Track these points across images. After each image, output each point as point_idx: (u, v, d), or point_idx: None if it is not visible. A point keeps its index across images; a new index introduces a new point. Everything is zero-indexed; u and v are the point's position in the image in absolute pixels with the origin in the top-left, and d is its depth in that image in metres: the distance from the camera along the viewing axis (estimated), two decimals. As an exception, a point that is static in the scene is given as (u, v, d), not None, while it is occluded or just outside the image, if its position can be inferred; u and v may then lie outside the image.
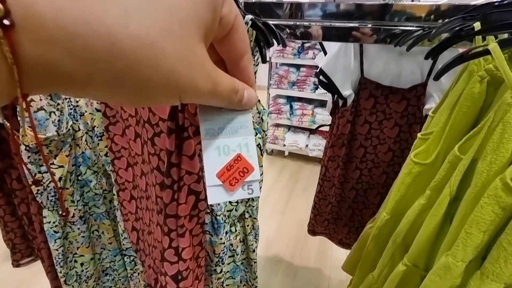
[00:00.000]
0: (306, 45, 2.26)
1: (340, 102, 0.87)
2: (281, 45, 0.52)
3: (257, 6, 0.65)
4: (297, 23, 0.65)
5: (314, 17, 0.65)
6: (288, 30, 0.66)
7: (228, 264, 0.60)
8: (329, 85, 0.83)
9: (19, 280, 1.27)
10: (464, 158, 0.36)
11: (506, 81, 0.30)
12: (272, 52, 2.33)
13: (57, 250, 0.63)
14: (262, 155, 0.52)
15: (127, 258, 0.73)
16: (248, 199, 0.57)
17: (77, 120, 0.59)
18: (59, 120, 0.55)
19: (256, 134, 0.49)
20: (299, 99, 2.51)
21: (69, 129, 0.57)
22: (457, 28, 0.40)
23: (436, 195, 0.40)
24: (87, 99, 0.58)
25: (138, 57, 0.13)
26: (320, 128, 2.41)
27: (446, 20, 0.46)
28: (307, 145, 2.45)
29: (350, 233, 1.01)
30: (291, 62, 2.36)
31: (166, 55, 0.14)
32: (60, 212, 0.61)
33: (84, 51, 0.12)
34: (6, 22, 0.10)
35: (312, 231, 1.09)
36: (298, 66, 2.42)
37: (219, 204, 0.49)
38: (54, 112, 0.54)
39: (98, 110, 0.57)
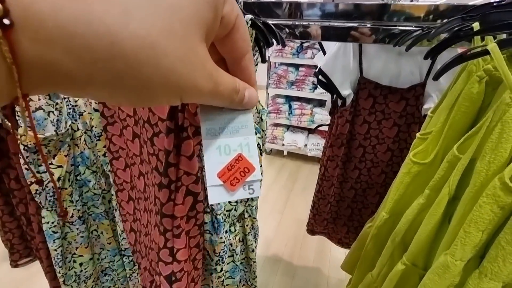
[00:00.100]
0: (305, 44, 2.26)
1: (339, 102, 0.88)
2: (280, 44, 0.52)
3: (256, 5, 0.65)
4: (296, 23, 0.65)
5: (313, 17, 0.65)
6: (287, 30, 0.66)
7: (228, 264, 0.60)
8: (328, 85, 0.84)
9: (18, 280, 1.27)
10: (463, 158, 0.36)
11: (504, 81, 0.30)
12: (271, 51, 2.32)
13: (56, 250, 0.63)
14: (261, 154, 0.52)
15: (126, 258, 0.72)
16: (248, 199, 0.57)
17: (76, 120, 0.59)
18: (57, 120, 0.55)
19: (256, 133, 0.49)
20: (298, 99, 2.51)
21: (68, 129, 0.57)
22: (456, 28, 0.40)
23: (435, 195, 0.40)
24: (86, 98, 0.58)
25: (138, 56, 0.13)
26: (319, 128, 2.41)
27: (445, 20, 0.46)
28: (306, 145, 2.45)
29: (349, 232, 1.01)
30: (290, 62, 2.36)
31: (166, 54, 0.14)
32: (58, 212, 0.61)
33: (84, 51, 0.12)
34: (5, 21, 0.10)
35: (311, 230, 1.10)
36: (297, 66, 2.42)
37: (219, 204, 0.49)
38: (52, 112, 0.54)
39: (96, 110, 0.57)
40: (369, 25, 0.62)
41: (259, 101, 0.48)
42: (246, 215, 0.58)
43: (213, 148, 0.21)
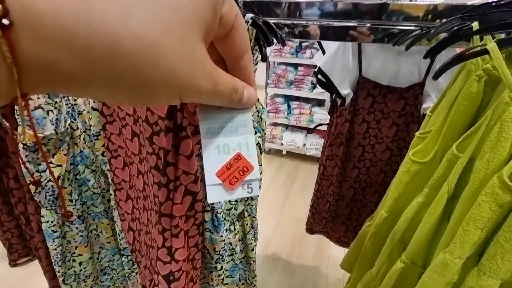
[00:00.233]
0: (304, 44, 2.26)
1: (338, 101, 0.88)
2: (280, 43, 0.52)
3: (256, 5, 0.65)
4: (295, 22, 0.65)
5: (312, 16, 0.65)
6: (286, 29, 0.66)
7: (227, 262, 0.60)
8: (327, 84, 0.84)
9: (17, 280, 1.27)
10: (462, 157, 0.36)
11: (503, 81, 0.30)
12: (270, 51, 2.32)
13: (55, 249, 0.63)
14: (261, 154, 0.52)
15: (125, 257, 0.72)
16: (247, 198, 0.57)
17: (75, 119, 0.59)
18: (57, 119, 0.55)
19: (256, 133, 0.49)
20: (297, 98, 2.52)
21: (67, 128, 0.57)
22: (456, 28, 0.40)
23: (434, 193, 0.40)
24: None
25: (138, 56, 0.13)
26: (318, 127, 2.41)
27: (444, 20, 0.46)
28: (304, 144, 2.46)
29: (348, 231, 1.02)
30: (289, 61, 2.36)
31: (166, 54, 0.14)
32: (58, 212, 0.61)
33: (84, 50, 0.12)
34: (4, 21, 0.10)
35: (310, 229, 1.10)
36: (296, 65, 2.42)
37: (219, 202, 0.49)
38: (52, 111, 0.54)
39: (94, 109, 0.57)
40: (368, 25, 0.62)
41: (258, 100, 0.48)
42: (245, 214, 0.58)
43: (212, 147, 0.21)
